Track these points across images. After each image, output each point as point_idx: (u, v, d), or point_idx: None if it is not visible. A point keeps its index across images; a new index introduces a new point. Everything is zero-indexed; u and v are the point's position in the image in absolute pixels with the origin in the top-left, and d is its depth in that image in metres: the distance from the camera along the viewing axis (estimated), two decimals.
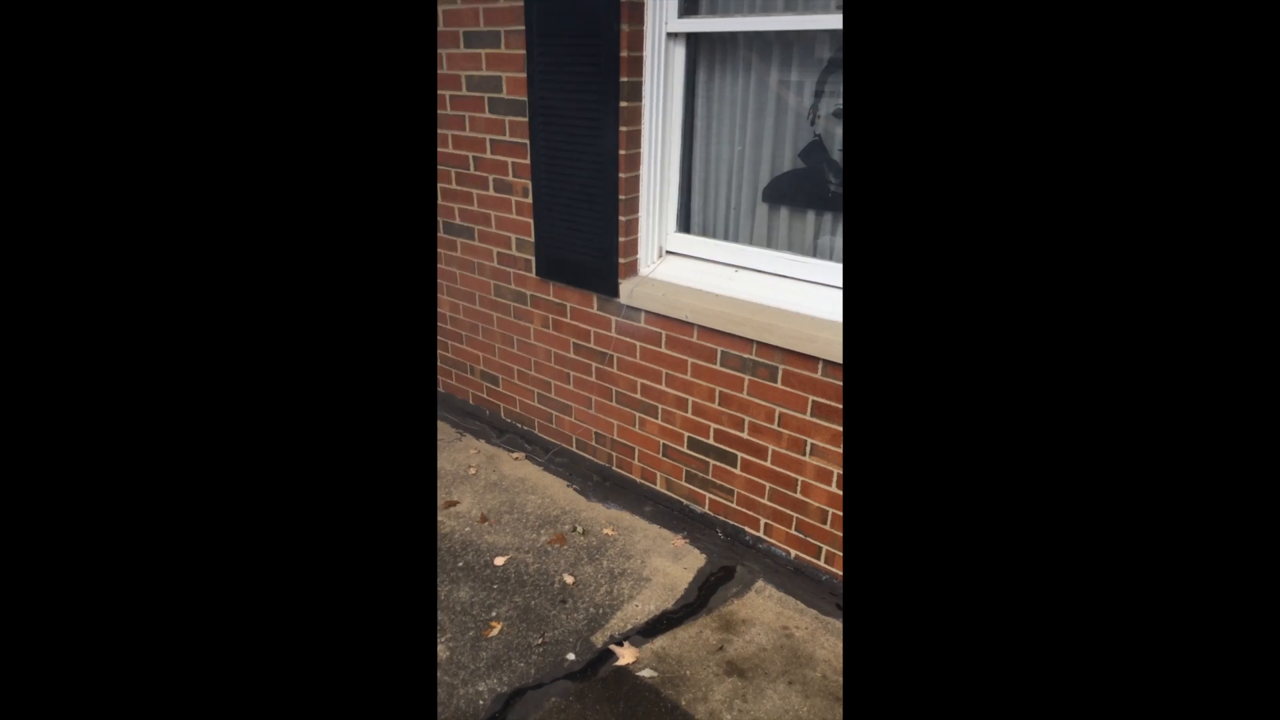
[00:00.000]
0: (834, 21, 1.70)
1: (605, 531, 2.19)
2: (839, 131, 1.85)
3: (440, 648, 1.73)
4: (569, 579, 1.98)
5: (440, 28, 2.29)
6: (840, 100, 1.82)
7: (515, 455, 2.59)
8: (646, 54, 1.96)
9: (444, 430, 2.76)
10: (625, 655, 1.71)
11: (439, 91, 2.38)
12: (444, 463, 2.53)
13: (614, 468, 2.46)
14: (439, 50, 2.32)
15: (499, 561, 2.04)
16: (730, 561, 2.08)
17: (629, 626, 1.81)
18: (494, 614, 1.85)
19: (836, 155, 1.87)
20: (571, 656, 1.72)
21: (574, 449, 2.56)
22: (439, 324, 2.81)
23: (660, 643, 1.76)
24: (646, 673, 1.67)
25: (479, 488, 2.39)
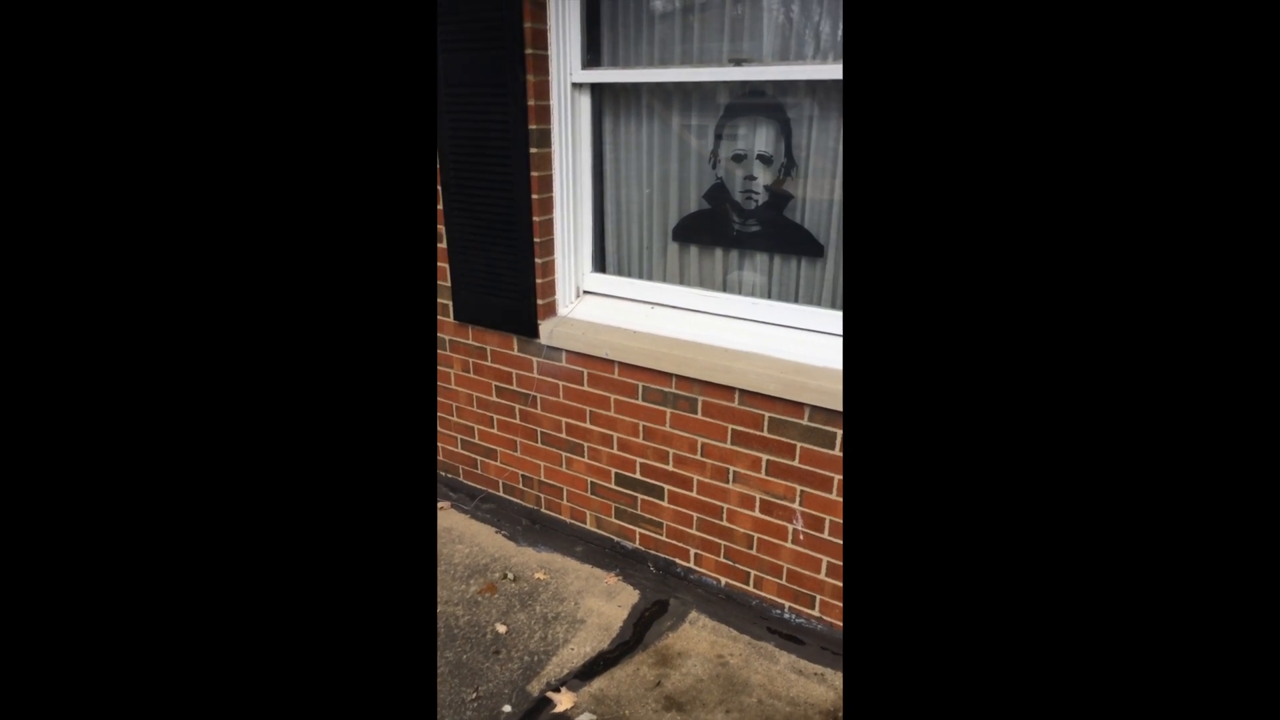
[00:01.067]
0: (727, 74, 1.82)
1: (537, 576, 2.16)
2: (739, 173, 1.96)
3: None
4: (501, 628, 1.94)
5: None
6: (738, 145, 1.93)
7: (441, 505, 2.52)
8: (553, 103, 2.03)
9: None
10: (563, 701, 1.68)
11: None
12: None
13: (543, 509, 2.44)
14: None
15: None
16: (663, 595, 2.10)
17: (565, 671, 1.79)
18: None
19: (738, 196, 1.98)
20: (508, 708, 1.68)
21: (501, 494, 2.52)
22: None
23: (598, 684, 1.75)
24: (585, 717, 1.65)
25: None
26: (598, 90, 2.08)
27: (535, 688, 1.73)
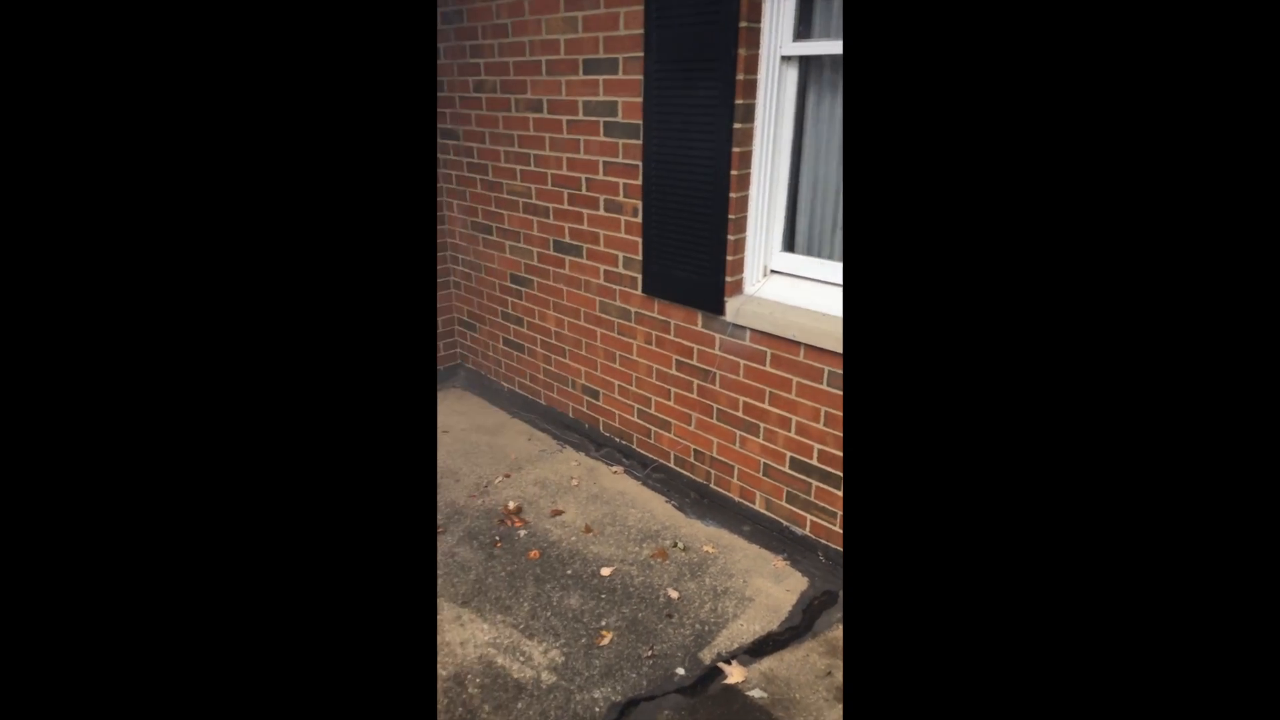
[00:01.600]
0: None
1: (705, 549, 2.20)
2: None
3: (555, 653, 1.78)
4: (673, 594, 2.00)
5: (560, 56, 2.40)
6: None
7: (614, 469, 2.64)
8: (761, 77, 1.99)
9: (545, 441, 2.84)
10: (734, 674, 1.71)
11: (556, 117, 2.50)
12: (547, 473, 2.62)
13: (712, 485, 2.47)
14: (558, 78, 2.43)
15: (605, 572, 2.09)
16: (833, 586, 2.05)
17: (735, 645, 1.81)
18: (604, 623, 1.89)
19: None
20: (681, 671, 1.73)
21: (672, 465, 2.58)
22: (544, 338, 2.91)
23: (768, 664, 1.75)
24: (756, 693, 1.66)
25: (581, 499, 2.45)
26: (805, 63, 2.01)
27: (706, 656, 1.78)
